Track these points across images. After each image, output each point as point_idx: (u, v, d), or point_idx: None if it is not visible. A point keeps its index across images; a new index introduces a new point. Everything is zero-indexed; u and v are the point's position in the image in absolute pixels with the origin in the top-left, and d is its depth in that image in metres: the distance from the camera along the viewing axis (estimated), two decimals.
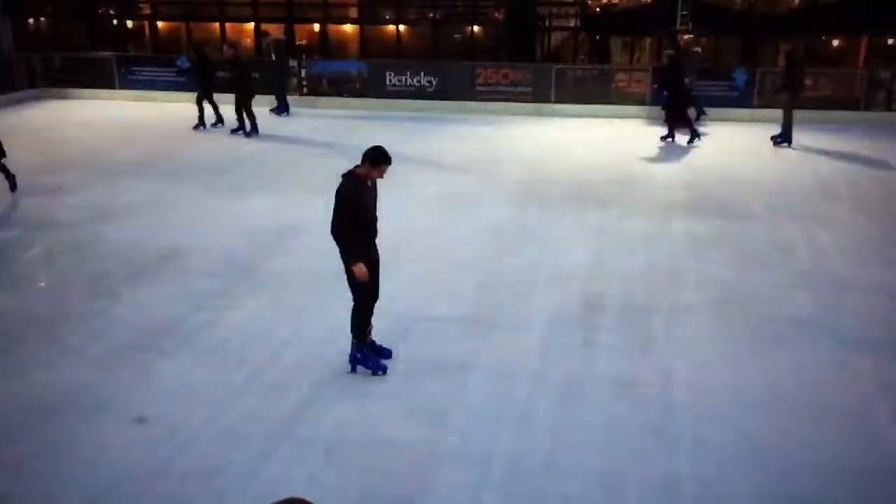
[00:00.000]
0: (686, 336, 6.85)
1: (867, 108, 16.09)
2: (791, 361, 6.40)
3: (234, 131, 15.16)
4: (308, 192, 11.11)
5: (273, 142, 14.69)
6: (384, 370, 6.18)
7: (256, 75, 17.20)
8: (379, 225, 6.09)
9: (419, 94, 17.89)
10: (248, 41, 21.52)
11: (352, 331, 6.14)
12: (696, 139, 14.33)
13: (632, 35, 21.42)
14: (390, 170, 5.94)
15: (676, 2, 16.60)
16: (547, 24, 21.89)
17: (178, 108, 15.99)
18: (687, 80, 15.38)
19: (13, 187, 11.01)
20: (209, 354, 6.56)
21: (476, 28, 22.04)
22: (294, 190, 11.30)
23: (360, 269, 5.87)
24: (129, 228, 9.68)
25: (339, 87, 18.36)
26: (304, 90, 18.37)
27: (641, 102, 16.95)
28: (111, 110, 17.91)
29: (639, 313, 7.29)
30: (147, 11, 22.94)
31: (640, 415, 5.65)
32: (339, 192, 5.80)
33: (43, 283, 8.13)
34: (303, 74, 18.38)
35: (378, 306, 6.15)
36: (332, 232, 5.87)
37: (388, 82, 18.11)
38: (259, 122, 15.13)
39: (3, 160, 10.82)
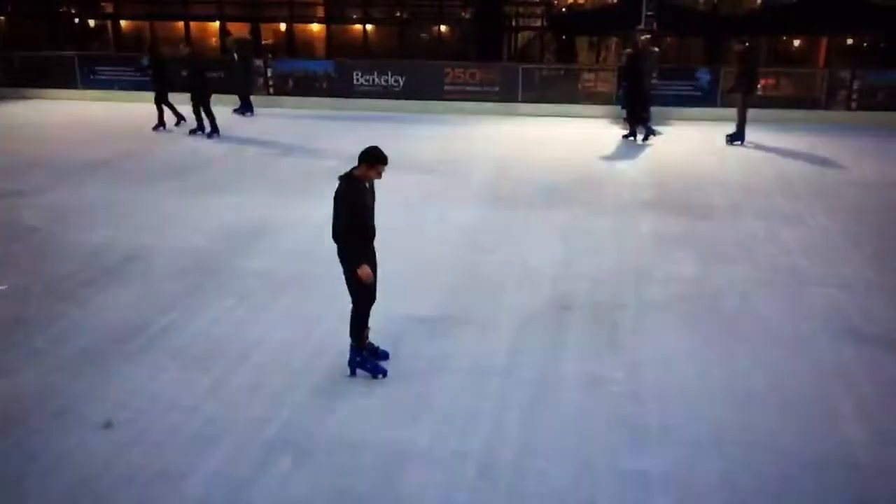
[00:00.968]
0: (653, 332, 6.93)
1: (827, 108, 16.35)
2: (755, 356, 6.50)
3: (192, 132, 14.99)
4: (274, 192, 11.05)
5: (238, 142, 14.57)
6: (384, 373, 6.14)
7: (221, 75, 17.11)
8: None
9: (387, 93, 17.86)
10: (213, 40, 21.35)
11: (350, 334, 6.11)
12: (651, 136, 14.50)
13: (597, 35, 21.63)
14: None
15: (641, 2, 16.75)
16: (514, 23, 22.01)
17: (142, 107, 15.79)
18: (654, 80, 15.57)
19: None
20: (176, 357, 6.49)
21: (443, 28, 22.09)
22: (260, 190, 11.21)
23: (365, 271, 5.85)
24: (93, 230, 9.54)
25: (306, 87, 18.26)
26: (271, 90, 18.24)
27: (608, 102, 17.09)
28: (74, 110, 17.65)
29: (607, 311, 7.35)
30: (110, 10, 22.64)
31: (609, 410, 5.71)
32: (337, 195, 5.75)
33: (4, 287, 7.98)
34: (269, 74, 18.25)
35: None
36: (333, 236, 5.83)
37: (355, 82, 18.05)
38: (224, 122, 14.99)
39: None
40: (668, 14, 17.60)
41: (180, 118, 15.49)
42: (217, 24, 21.49)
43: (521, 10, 22.41)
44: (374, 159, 5.77)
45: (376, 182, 5.97)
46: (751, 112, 14.35)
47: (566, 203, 10.67)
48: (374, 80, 18.00)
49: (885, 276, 8.18)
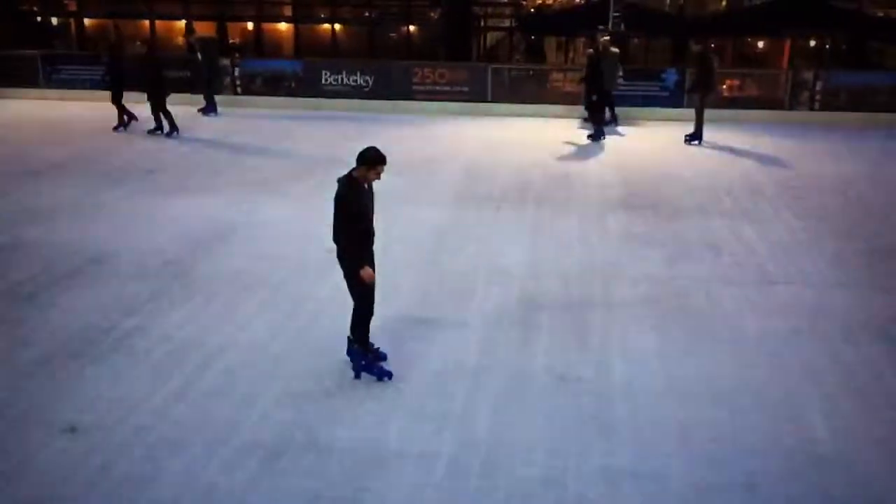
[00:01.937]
0: (622, 331, 6.99)
1: (791, 108, 16.61)
2: (722, 353, 6.59)
3: (151, 131, 14.80)
4: (239, 193, 10.95)
5: (203, 143, 14.42)
6: (389, 375, 6.10)
7: (187, 74, 16.92)
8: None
9: (355, 93, 17.79)
10: (180, 39, 21.10)
11: (354, 336, 6.09)
12: (601, 138, 14.57)
13: (565, 35, 21.78)
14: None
15: (608, 3, 16.88)
16: (482, 24, 22.07)
17: (106, 107, 15.52)
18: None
19: None
20: (142, 360, 6.41)
21: (412, 27, 22.08)
22: (225, 191, 11.10)
23: (367, 272, 5.83)
24: (56, 231, 9.39)
25: (273, 87, 18.12)
26: (238, 89, 18.08)
27: (576, 102, 17.17)
28: (36, 110, 17.31)
29: (576, 309, 7.40)
30: (73, 8, 22.30)
31: (578, 409, 5.74)
32: (337, 197, 5.72)
33: None
34: (236, 73, 18.08)
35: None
36: (335, 238, 5.80)
37: (323, 81, 17.95)
38: (189, 122, 14.83)
39: None
40: (635, 15, 17.77)
41: (131, 117, 15.23)
42: (183, 22, 21.23)
43: (489, 10, 22.48)
44: (373, 161, 5.74)
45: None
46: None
47: (535, 202, 10.72)
48: (342, 79, 17.92)
49: (848, 273, 8.33)
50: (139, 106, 15.02)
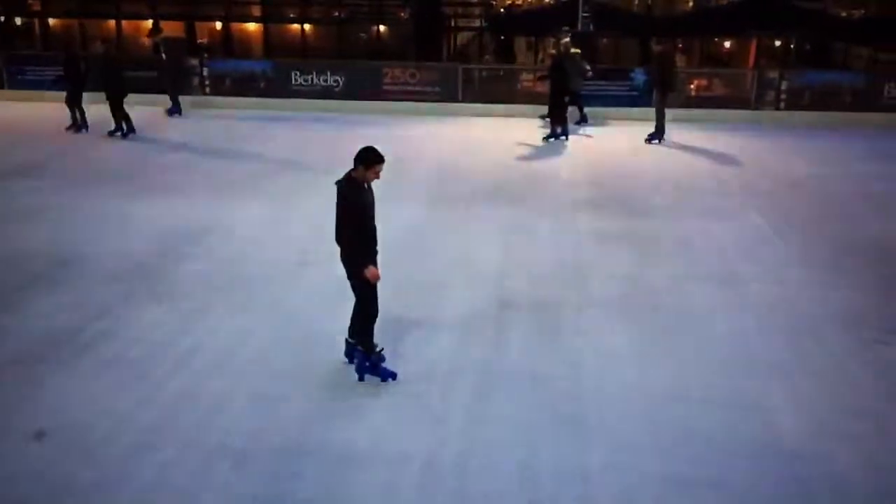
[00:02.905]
0: (594, 330, 7.03)
1: (757, 108, 16.83)
2: (693, 351, 6.65)
3: (111, 133, 14.60)
4: (209, 194, 10.84)
5: (169, 144, 14.27)
6: (394, 376, 6.07)
7: (154, 74, 16.73)
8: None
9: (326, 93, 17.72)
10: (146, 40, 20.84)
11: (358, 339, 6.07)
12: (554, 139, 14.60)
13: (535, 35, 21.84)
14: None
15: (577, 3, 16.97)
16: (452, 23, 22.07)
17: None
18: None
19: None
20: (111, 364, 6.32)
21: (382, 28, 22.02)
22: (194, 192, 10.99)
23: (373, 271, 5.84)
24: (21, 235, 9.23)
25: (243, 87, 17.99)
26: (207, 90, 17.91)
27: (546, 102, 17.23)
28: (0, 112, 17.02)
29: (549, 309, 7.43)
30: (37, 8, 21.93)
31: (552, 408, 5.77)
32: (339, 199, 5.71)
33: None
34: (205, 74, 17.91)
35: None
36: (338, 239, 5.78)
37: (293, 82, 17.86)
38: (156, 123, 14.67)
39: None
40: (604, 15, 17.88)
41: (76, 124, 14.95)
42: (150, 22, 20.96)
43: (459, 10, 22.48)
44: (371, 161, 5.72)
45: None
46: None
47: (508, 202, 10.75)
48: (312, 80, 17.84)
49: (815, 271, 8.45)
50: (95, 106, 14.77)
